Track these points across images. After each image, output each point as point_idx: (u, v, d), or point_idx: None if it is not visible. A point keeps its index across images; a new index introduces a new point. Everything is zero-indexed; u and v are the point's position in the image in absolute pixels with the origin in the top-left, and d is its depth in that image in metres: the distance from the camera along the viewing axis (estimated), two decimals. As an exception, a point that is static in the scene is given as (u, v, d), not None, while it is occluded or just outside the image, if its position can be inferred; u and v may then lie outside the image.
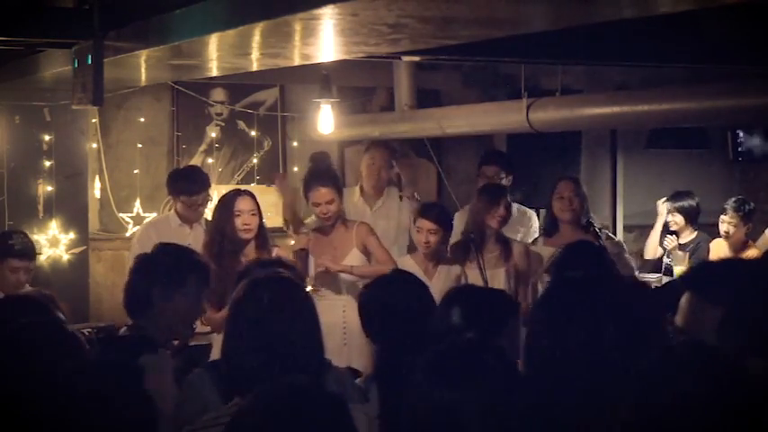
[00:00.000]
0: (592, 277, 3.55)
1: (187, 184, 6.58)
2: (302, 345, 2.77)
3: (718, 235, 7.36)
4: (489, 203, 5.97)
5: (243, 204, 5.78)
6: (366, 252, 6.05)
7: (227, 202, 5.82)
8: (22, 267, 5.95)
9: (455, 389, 2.19)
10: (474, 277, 5.88)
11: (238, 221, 5.72)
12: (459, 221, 6.40)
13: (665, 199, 7.65)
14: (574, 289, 2.68)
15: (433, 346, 2.34)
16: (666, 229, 7.64)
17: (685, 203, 7.61)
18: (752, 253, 6.94)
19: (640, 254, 8.00)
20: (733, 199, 7.38)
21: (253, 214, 5.78)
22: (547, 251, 5.89)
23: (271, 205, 8.65)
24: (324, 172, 6.48)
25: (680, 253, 7.27)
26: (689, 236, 7.57)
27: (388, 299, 3.73)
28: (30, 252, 6.08)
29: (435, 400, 2.19)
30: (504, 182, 7.03)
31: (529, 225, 7.23)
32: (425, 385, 2.22)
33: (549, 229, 6.40)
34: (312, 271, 6.02)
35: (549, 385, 2.27)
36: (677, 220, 7.59)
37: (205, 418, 2.81)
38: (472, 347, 2.36)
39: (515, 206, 6.73)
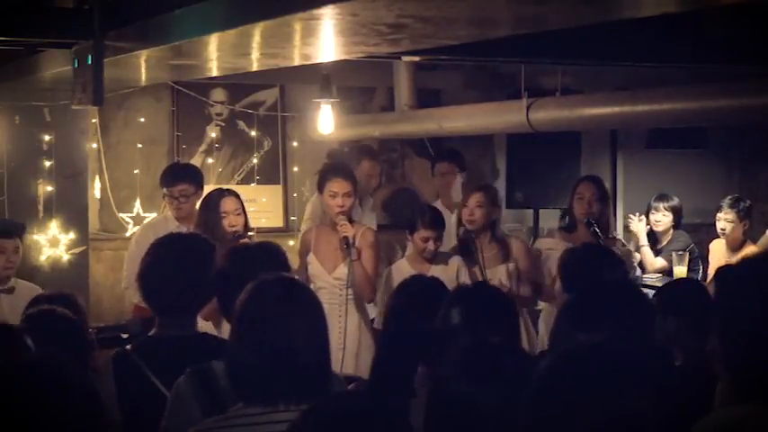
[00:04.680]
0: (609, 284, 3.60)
1: (165, 175, 6.58)
2: (308, 348, 2.74)
3: (717, 236, 7.34)
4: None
5: (228, 205, 5.75)
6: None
7: (212, 204, 5.79)
8: (8, 247, 5.90)
9: (481, 386, 2.21)
10: (474, 276, 5.88)
11: (225, 223, 5.70)
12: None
13: (640, 216, 7.68)
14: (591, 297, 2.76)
15: (458, 344, 2.36)
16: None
17: (675, 203, 7.65)
18: (750, 251, 6.92)
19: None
20: (729, 196, 7.33)
21: (238, 214, 5.75)
22: (564, 246, 5.83)
23: (271, 205, 8.69)
24: (344, 166, 6.46)
25: (680, 253, 7.26)
26: (668, 234, 7.64)
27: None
28: (11, 230, 6.04)
29: (460, 397, 2.21)
30: (458, 178, 7.31)
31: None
32: (452, 382, 2.24)
33: (568, 226, 6.30)
34: (311, 270, 5.97)
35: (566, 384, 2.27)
36: (666, 221, 7.61)
37: (210, 420, 2.79)
38: (496, 347, 2.39)
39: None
